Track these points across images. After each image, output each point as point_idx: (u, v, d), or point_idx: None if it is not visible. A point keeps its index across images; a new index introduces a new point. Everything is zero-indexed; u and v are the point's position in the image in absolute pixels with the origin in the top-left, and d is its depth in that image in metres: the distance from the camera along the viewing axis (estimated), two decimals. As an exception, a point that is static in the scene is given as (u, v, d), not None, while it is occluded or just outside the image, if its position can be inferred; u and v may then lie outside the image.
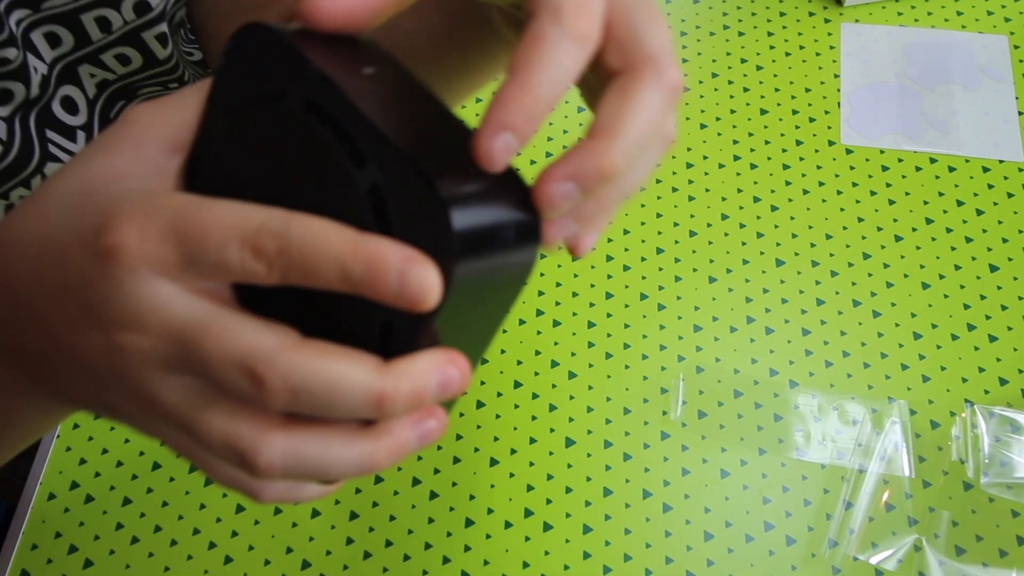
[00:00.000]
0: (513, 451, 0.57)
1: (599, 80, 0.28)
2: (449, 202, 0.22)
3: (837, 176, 0.67)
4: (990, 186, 0.65)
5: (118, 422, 0.29)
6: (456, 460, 0.57)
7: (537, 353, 0.60)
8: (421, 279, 0.22)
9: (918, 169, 0.67)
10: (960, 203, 0.65)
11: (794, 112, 0.70)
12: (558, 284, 0.63)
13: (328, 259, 0.22)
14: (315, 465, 0.24)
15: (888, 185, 0.66)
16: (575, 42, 0.25)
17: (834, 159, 0.67)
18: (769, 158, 0.68)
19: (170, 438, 0.27)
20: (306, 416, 0.24)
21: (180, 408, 0.24)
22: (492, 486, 0.56)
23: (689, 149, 0.69)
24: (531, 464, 0.57)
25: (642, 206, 0.66)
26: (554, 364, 0.60)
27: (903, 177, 0.66)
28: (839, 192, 0.66)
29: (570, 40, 0.25)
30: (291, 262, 0.23)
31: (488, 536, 0.54)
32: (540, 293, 0.63)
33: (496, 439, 0.58)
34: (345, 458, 0.24)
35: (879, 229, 0.64)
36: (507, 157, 0.24)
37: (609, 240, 0.65)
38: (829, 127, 0.69)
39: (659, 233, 0.65)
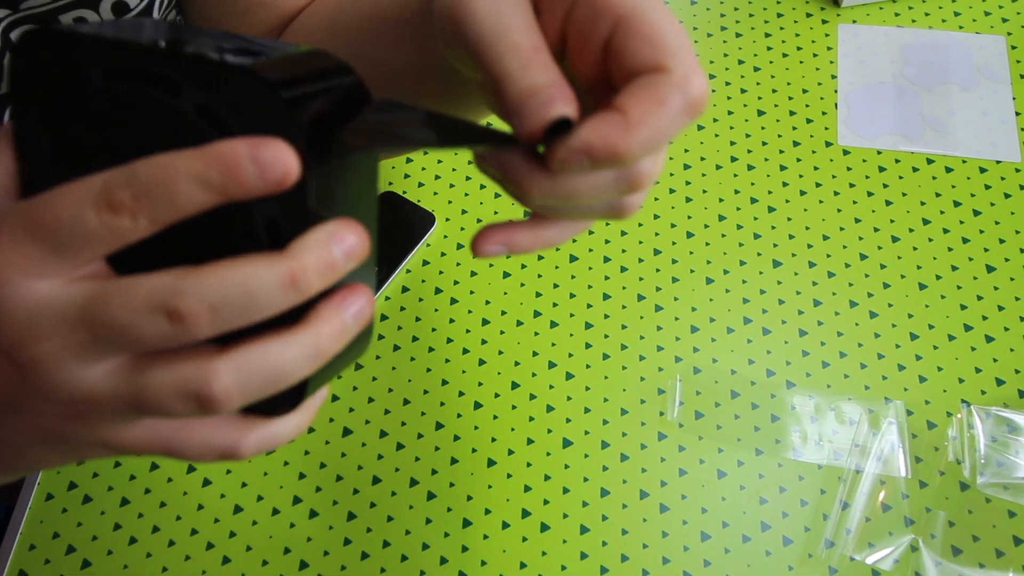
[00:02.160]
0: (511, 452, 0.57)
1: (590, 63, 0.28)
2: (268, 79, 0.23)
3: (834, 177, 0.67)
4: (987, 187, 0.65)
5: (84, 457, 0.28)
6: (454, 461, 0.57)
7: (535, 354, 0.61)
8: (274, 154, 0.22)
9: (915, 170, 0.67)
10: (957, 204, 0.65)
11: (791, 113, 0.70)
12: (555, 285, 0.63)
13: (183, 180, 0.22)
14: (268, 373, 0.24)
15: (885, 186, 0.66)
16: (691, 115, 0.26)
17: (831, 160, 0.68)
18: (766, 159, 0.68)
19: (133, 439, 0.27)
20: (238, 339, 0.24)
21: (119, 389, 0.24)
22: (490, 487, 0.56)
23: (686, 150, 0.69)
24: (528, 465, 0.57)
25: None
26: (552, 365, 0.60)
27: (900, 178, 0.66)
28: (836, 193, 0.66)
29: (687, 115, 0.26)
30: (152, 201, 0.22)
31: (486, 536, 0.54)
32: (537, 294, 0.63)
33: (494, 440, 0.58)
34: (293, 354, 0.24)
35: (876, 230, 0.64)
36: (573, 170, 0.26)
37: (607, 241, 0.65)
38: (826, 128, 0.69)
39: (656, 234, 0.65)
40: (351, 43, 0.45)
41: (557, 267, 0.64)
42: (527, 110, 0.26)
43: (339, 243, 0.24)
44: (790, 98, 0.71)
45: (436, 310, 0.63)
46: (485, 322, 0.62)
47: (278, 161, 0.22)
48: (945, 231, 0.64)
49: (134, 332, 0.23)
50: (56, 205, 0.23)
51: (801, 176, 0.67)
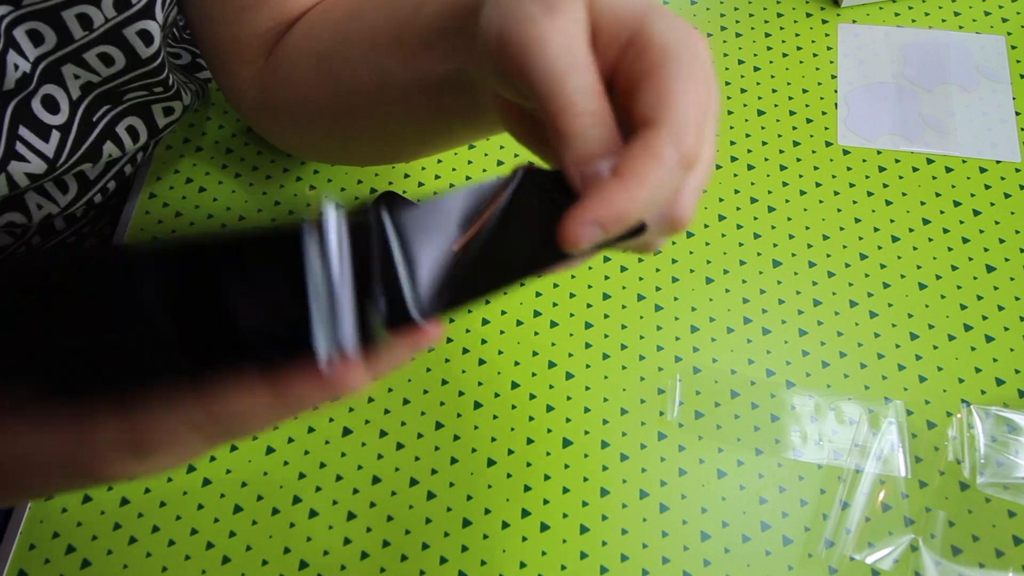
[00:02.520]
0: (510, 452, 0.57)
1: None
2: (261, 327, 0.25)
3: (834, 177, 0.67)
4: (987, 187, 0.65)
5: None
6: (454, 461, 0.57)
7: (534, 354, 0.61)
8: (342, 386, 0.26)
9: (915, 170, 0.67)
10: (957, 204, 0.65)
11: (791, 113, 0.70)
12: (555, 285, 0.63)
13: (264, 418, 0.26)
14: (387, 366, 0.29)
15: (885, 186, 0.66)
16: (684, 168, 0.27)
17: (831, 160, 0.68)
18: (766, 159, 0.68)
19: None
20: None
21: (258, 420, 0.29)
22: (489, 487, 0.56)
23: (686, 150, 0.69)
24: (528, 465, 0.57)
25: (639, 207, 0.66)
26: (551, 365, 0.60)
27: (900, 178, 0.66)
28: (836, 193, 0.66)
29: (681, 167, 0.27)
30: (237, 429, 0.27)
31: (485, 536, 0.54)
32: (537, 294, 0.63)
33: (493, 440, 0.58)
34: (401, 354, 0.28)
35: (876, 230, 0.64)
36: (588, 245, 0.27)
37: (606, 241, 0.65)
38: (826, 128, 0.69)
39: (656, 234, 0.65)
40: (363, 52, 0.45)
41: (557, 267, 0.64)
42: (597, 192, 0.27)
43: (414, 351, 0.28)
44: (790, 98, 0.71)
45: (436, 310, 0.63)
46: (485, 322, 0.62)
47: (347, 387, 0.26)
48: (945, 231, 0.64)
49: (249, 433, 0.28)
50: (154, 432, 0.27)
51: (801, 176, 0.67)
